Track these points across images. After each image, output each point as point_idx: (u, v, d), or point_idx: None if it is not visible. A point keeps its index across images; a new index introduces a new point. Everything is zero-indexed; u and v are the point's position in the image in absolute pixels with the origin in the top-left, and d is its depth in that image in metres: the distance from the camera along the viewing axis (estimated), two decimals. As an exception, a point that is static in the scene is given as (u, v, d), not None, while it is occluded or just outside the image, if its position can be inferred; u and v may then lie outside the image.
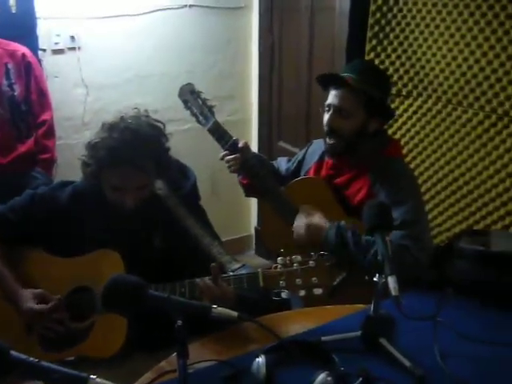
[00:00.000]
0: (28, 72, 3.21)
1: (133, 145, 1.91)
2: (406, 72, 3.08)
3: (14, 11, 3.26)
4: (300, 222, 2.33)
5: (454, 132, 2.94)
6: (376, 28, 3.13)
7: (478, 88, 2.78)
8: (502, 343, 1.78)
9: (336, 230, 2.20)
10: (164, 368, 1.66)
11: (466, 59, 2.81)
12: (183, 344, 1.31)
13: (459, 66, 2.84)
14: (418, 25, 2.99)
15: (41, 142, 3.30)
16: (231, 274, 1.86)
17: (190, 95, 2.44)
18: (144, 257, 1.99)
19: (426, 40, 2.97)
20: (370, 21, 3.13)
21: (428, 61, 2.98)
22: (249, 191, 2.67)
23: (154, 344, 1.91)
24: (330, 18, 3.54)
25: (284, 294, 1.77)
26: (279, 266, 1.76)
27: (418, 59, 3.02)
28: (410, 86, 3.08)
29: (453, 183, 2.98)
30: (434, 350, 1.67)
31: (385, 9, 3.07)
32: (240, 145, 2.41)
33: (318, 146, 2.56)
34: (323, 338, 1.72)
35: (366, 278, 1.66)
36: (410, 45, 3.04)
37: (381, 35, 3.13)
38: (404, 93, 3.10)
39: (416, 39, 3.01)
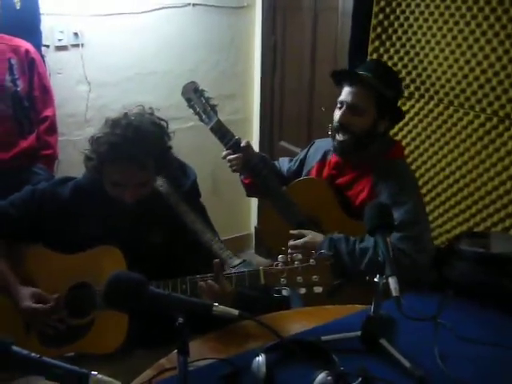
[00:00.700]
0: (31, 68, 3.21)
1: (134, 142, 1.91)
2: (408, 74, 3.08)
3: (18, 7, 3.26)
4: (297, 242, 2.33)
5: (456, 134, 2.94)
6: (379, 29, 3.13)
7: (479, 90, 2.79)
8: (501, 345, 1.79)
9: (329, 242, 2.20)
10: (164, 365, 1.67)
11: (467, 61, 2.81)
12: (184, 341, 1.31)
13: (461, 68, 2.84)
14: (420, 27, 2.99)
15: (43, 138, 3.30)
16: (232, 271, 1.87)
17: (193, 93, 2.44)
18: (145, 253, 2.00)
19: (428, 42, 2.97)
20: (373, 22, 3.13)
21: (430, 63, 2.98)
22: (250, 191, 2.67)
23: (153, 341, 1.92)
24: (333, 19, 3.54)
25: (285, 292, 1.79)
26: (280, 264, 1.77)
27: (420, 61, 3.02)
28: (411, 87, 3.09)
29: (453, 185, 2.98)
30: (434, 351, 1.67)
31: (388, 10, 3.08)
32: (242, 144, 2.41)
33: (320, 146, 2.56)
34: (323, 338, 1.73)
35: (367, 278, 1.67)
36: (413, 46, 3.04)
37: (383, 36, 3.13)
38: (406, 94, 3.10)
39: (418, 41, 3.01)
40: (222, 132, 2.40)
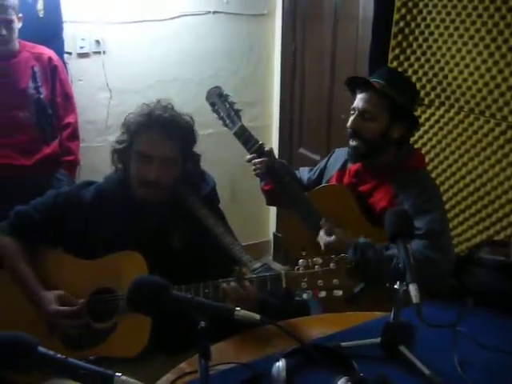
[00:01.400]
0: (54, 75, 3.25)
1: (168, 114, 2.04)
2: (429, 81, 3.08)
3: (41, 15, 3.32)
4: (320, 241, 2.33)
5: (476, 142, 2.93)
6: (399, 37, 3.13)
7: (500, 98, 2.78)
8: (521, 353, 1.77)
9: (353, 248, 2.20)
10: (184, 369, 1.68)
11: (489, 69, 2.80)
12: (206, 345, 1.32)
13: (482, 75, 2.83)
14: (441, 34, 2.99)
15: (65, 144, 3.34)
16: (254, 275, 1.88)
17: (217, 98, 2.45)
18: (166, 258, 2.01)
19: (449, 49, 2.97)
20: (394, 29, 3.14)
21: (451, 70, 2.98)
22: (271, 198, 2.68)
23: (175, 346, 1.93)
24: (353, 26, 3.55)
25: (305, 295, 1.80)
26: (301, 268, 1.79)
27: (441, 68, 3.02)
28: (432, 95, 3.08)
29: (474, 193, 2.97)
30: (454, 358, 1.66)
31: (408, 18, 3.08)
32: (266, 149, 2.42)
33: (340, 155, 2.57)
34: (343, 344, 1.73)
35: (387, 285, 1.67)
36: (433, 54, 3.04)
37: (404, 44, 3.14)
38: (426, 102, 3.10)
39: (439, 48, 3.01)
40: (245, 137, 2.41)
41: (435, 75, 3.05)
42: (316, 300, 2.32)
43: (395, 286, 1.62)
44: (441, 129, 3.08)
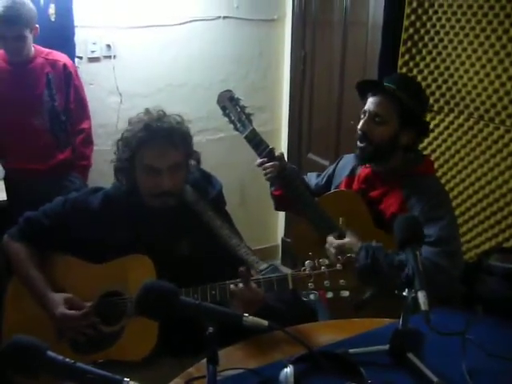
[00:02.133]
0: (68, 82, 3.27)
1: (166, 122, 2.03)
2: (438, 88, 3.08)
3: (53, 19, 3.34)
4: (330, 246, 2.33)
5: (486, 148, 2.92)
6: (409, 43, 3.13)
7: (510, 105, 2.77)
8: (530, 362, 1.77)
9: (365, 251, 2.19)
10: (192, 374, 1.68)
11: (499, 76, 2.80)
12: (214, 351, 1.33)
13: (492, 82, 2.83)
14: (451, 41, 2.99)
15: (79, 149, 3.37)
16: (261, 277, 1.88)
17: (228, 102, 2.45)
18: (174, 261, 2.02)
19: (458, 56, 2.96)
20: (403, 36, 3.13)
21: (460, 77, 2.97)
22: (280, 204, 2.68)
23: (183, 350, 1.94)
24: (363, 32, 3.55)
25: (312, 296, 1.81)
26: (308, 269, 1.79)
27: (451, 75, 3.01)
28: (441, 101, 3.08)
29: (483, 200, 2.96)
30: (462, 366, 1.66)
31: (418, 24, 3.08)
32: (276, 154, 2.43)
33: (348, 161, 2.57)
34: (351, 351, 1.73)
35: (396, 292, 1.66)
36: (443, 60, 3.04)
37: (413, 50, 3.13)
38: (436, 108, 3.10)
39: (449, 55, 3.01)
40: (256, 141, 2.42)
41: (445, 82, 3.05)
42: (322, 302, 2.34)
43: (404, 293, 1.62)
44: (450, 135, 3.08)
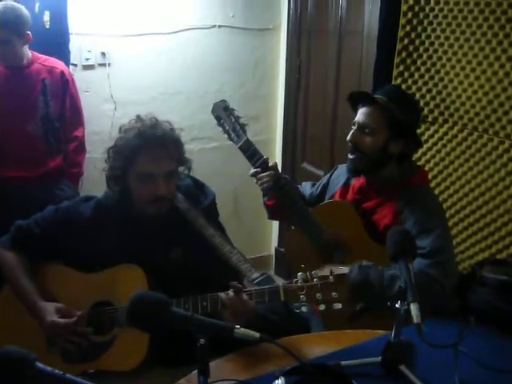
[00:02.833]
0: (65, 90, 3.27)
1: (158, 128, 2.02)
2: (433, 98, 3.08)
3: (48, 27, 3.34)
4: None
5: (479, 159, 2.92)
6: (404, 54, 3.14)
7: (504, 117, 2.77)
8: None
9: (358, 268, 2.19)
10: (183, 385, 1.67)
11: (493, 88, 2.80)
12: (205, 362, 1.32)
13: (486, 93, 2.83)
14: (445, 52, 2.99)
15: (71, 157, 3.35)
16: (252, 288, 1.88)
17: (223, 112, 2.45)
18: (166, 270, 2.01)
19: (453, 67, 2.97)
20: (398, 46, 3.14)
21: (454, 88, 2.98)
22: (273, 213, 2.68)
23: (174, 360, 1.92)
24: (358, 42, 3.56)
25: (304, 308, 1.79)
26: (300, 281, 1.78)
27: (445, 86, 3.02)
28: (435, 112, 3.08)
29: (476, 211, 2.96)
30: (455, 378, 1.65)
31: (413, 35, 3.08)
32: (270, 164, 2.43)
33: (342, 171, 2.57)
34: (343, 363, 1.72)
35: (388, 304, 1.66)
36: (437, 71, 3.04)
37: (408, 61, 3.14)
38: (430, 119, 3.10)
39: (443, 66, 3.01)
40: (250, 151, 2.41)
41: (439, 92, 3.05)
42: (315, 313, 2.33)
43: (396, 305, 1.61)
44: (444, 146, 3.08)
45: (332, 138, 3.93)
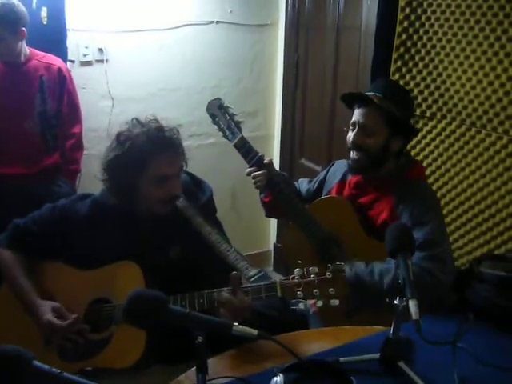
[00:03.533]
0: (62, 86, 3.25)
1: (165, 130, 2.00)
2: (431, 94, 3.08)
3: (45, 23, 3.32)
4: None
5: (477, 155, 2.92)
6: (402, 49, 3.13)
7: (502, 112, 2.77)
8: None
9: (349, 269, 2.18)
10: (182, 382, 1.67)
11: (491, 83, 2.80)
12: (203, 360, 1.32)
13: (484, 89, 2.83)
14: (443, 47, 2.99)
15: (69, 154, 3.34)
16: (249, 285, 1.87)
17: (217, 110, 2.44)
18: (163, 267, 2.01)
19: (451, 63, 2.96)
20: (396, 42, 3.14)
21: (453, 83, 2.97)
22: (270, 210, 2.68)
23: (172, 357, 1.92)
24: (356, 38, 3.56)
25: (301, 305, 1.79)
26: (296, 277, 1.78)
27: (443, 81, 3.02)
28: (434, 107, 3.08)
29: (474, 207, 2.96)
30: (454, 374, 1.65)
31: (411, 30, 3.08)
32: (265, 161, 2.42)
33: (339, 167, 2.57)
34: (341, 359, 1.72)
35: (387, 300, 1.66)
36: (436, 67, 3.04)
37: (406, 56, 3.13)
38: (428, 114, 3.10)
39: (441, 61, 3.01)
40: (245, 149, 2.41)
41: (437, 88, 3.05)
42: (313, 310, 2.33)
43: (395, 302, 1.61)
44: (442, 142, 3.08)
45: (330, 134, 3.93)
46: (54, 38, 3.41)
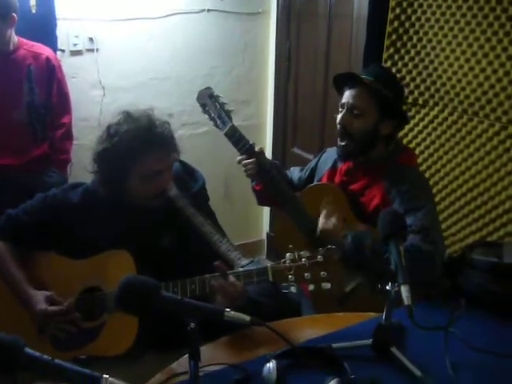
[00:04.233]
0: (51, 76, 3.22)
1: (154, 126, 1.98)
2: (423, 81, 3.08)
3: (34, 12, 3.29)
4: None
5: (470, 142, 2.93)
6: (394, 36, 3.13)
7: (494, 99, 2.77)
8: (514, 355, 1.77)
9: (351, 236, 2.17)
10: (175, 370, 1.67)
11: (483, 70, 2.80)
12: (195, 346, 1.31)
13: (476, 76, 2.83)
14: (435, 34, 2.98)
15: (58, 144, 3.32)
16: (240, 269, 1.87)
17: (208, 99, 2.43)
18: (155, 256, 2.00)
19: (443, 50, 2.96)
20: (388, 29, 3.13)
21: (445, 71, 2.97)
22: (261, 199, 2.68)
23: (164, 344, 1.92)
24: (348, 25, 3.54)
25: (293, 289, 1.80)
26: (287, 261, 1.78)
27: (435, 69, 3.01)
28: (426, 95, 3.08)
29: (467, 193, 2.97)
30: (446, 360, 1.65)
31: (403, 17, 3.07)
32: (256, 149, 2.42)
33: (331, 154, 2.56)
34: (334, 345, 1.72)
35: (379, 286, 1.66)
36: (428, 54, 3.04)
37: (398, 44, 3.13)
38: (420, 102, 3.10)
39: (433, 48, 3.01)
40: (236, 137, 2.40)
41: (429, 75, 3.04)
42: (305, 295, 2.33)
43: (387, 287, 1.61)
44: (434, 129, 3.08)
45: (322, 123, 3.93)
46: (43, 27, 3.38)
